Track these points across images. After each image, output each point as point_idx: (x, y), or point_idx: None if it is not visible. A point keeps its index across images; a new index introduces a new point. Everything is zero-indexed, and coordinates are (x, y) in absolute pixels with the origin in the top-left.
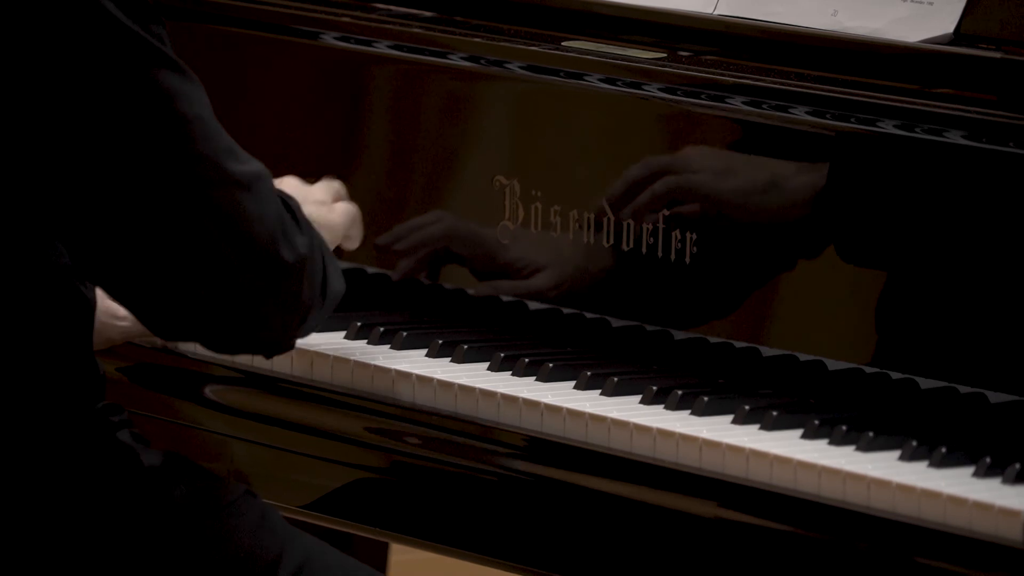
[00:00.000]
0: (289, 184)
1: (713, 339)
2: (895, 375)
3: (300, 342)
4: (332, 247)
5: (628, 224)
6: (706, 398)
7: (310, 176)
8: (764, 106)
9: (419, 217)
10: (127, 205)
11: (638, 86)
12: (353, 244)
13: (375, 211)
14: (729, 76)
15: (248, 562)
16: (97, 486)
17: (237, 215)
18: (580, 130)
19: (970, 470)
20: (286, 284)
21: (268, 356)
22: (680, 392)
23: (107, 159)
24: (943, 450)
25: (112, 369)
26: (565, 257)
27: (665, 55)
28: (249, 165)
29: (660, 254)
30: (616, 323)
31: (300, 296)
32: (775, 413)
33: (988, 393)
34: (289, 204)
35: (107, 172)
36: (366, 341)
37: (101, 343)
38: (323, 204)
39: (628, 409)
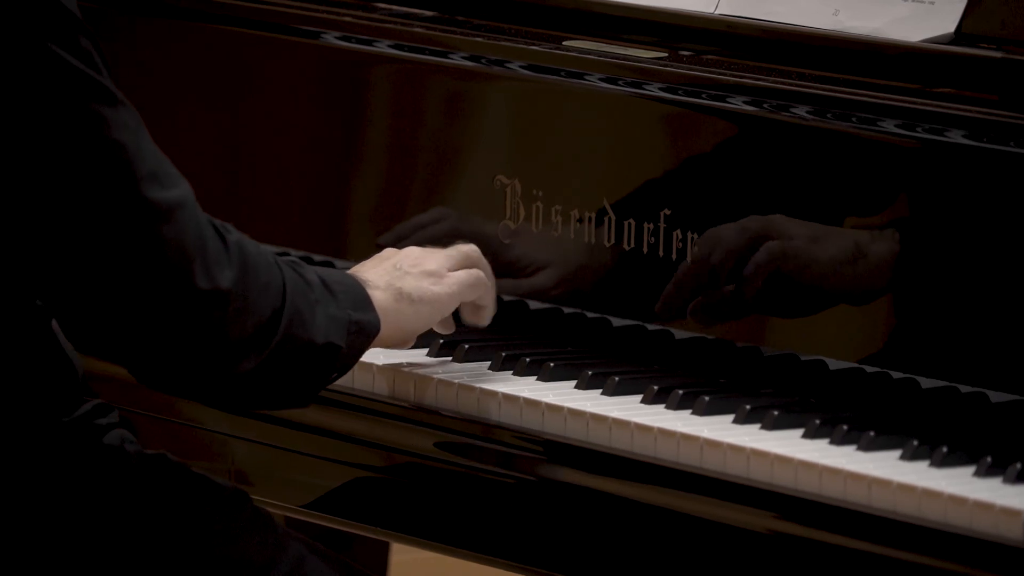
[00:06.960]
0: (407, 251)
1: (713, 338)
2: (896, 375)
3: None
4: (434, 320)
5: (629, 224)
6: (707, 398)
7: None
8: (765, 106)
9: (422, 215)
10: (46, 221)
11: (639, 86)
12: (484, 316)
13: (376, 211)
14: (730, 76)
15: (239, 566)
16: (80, 491)
17: (148, 241)
18: (581, 130)
19: (971, 470)
20: (200, 313)
21: (204, 400)
22: (681, 392)
23: (28, 178)
24: (944, 450)
25: (112, 367)
26: (566, 256)
27: (666, 55)
28: (171, 191)
29: (661, 254)
30: (617, 322)
31: (223, 331)
32: (776, 413)
33: (989, 392)
34: (225, 238)
35: (27, 188)
36: None
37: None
38: (430, 275)
39: (629, 409)
